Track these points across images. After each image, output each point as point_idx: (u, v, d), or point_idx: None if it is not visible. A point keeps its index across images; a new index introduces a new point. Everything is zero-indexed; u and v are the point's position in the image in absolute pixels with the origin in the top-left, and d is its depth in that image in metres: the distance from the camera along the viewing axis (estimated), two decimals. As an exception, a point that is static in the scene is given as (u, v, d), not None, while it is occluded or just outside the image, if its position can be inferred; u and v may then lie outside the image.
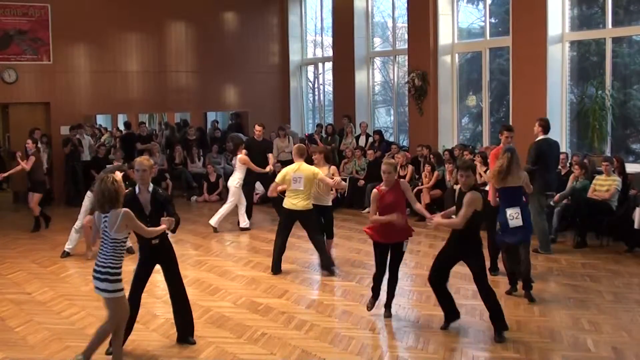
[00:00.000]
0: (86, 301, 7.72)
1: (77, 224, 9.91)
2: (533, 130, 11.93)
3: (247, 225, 11.75)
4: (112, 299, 5.50)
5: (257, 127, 12.47)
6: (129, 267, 9.32)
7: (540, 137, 9.46)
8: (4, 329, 6.87)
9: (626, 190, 10.20)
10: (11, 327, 6.91)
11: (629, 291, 7.88)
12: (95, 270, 5.52)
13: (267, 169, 12.04)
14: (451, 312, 6.64)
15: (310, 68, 18.97)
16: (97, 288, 5.53)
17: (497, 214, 7.58)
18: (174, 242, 10.96)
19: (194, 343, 6.28)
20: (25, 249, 10.51)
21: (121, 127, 17.72)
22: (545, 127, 9.44)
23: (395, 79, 16.22)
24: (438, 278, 6.57)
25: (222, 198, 15.26)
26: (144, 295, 7.86)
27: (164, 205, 6.06)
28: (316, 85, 19.12)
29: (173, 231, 6.01)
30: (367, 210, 13.13)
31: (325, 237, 9.02)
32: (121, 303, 5.58)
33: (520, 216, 7.33)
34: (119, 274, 5.51)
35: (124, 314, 5.65)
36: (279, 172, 9.37)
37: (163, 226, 5.83)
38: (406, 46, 14.93)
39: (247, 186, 11.98)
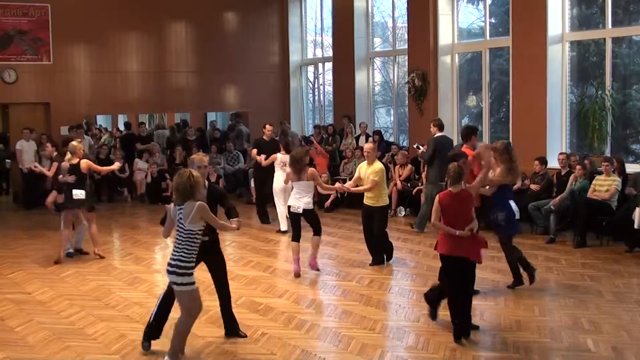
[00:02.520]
0: (86, 301, 7.73)
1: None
2: (533, 129, 12.04)
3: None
4: (180, 292, 5.54)
5: (268, 127, 12.36)
6: (126, 265, 9.35)
7: (438, 134, 10.91)
8: (4, 329, 6.87)
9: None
10: (11, 327, 6.91)
11: (629, 291, 7.88)
12: (168, 264, 5.58)
13: None
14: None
15: (310, 68, 18.97)
16: (170, 281, 5.59)
17: (492, 209, 7.68)
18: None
19: (245, 336, 6.37)
20: (25, 249, 10.51)
21: (121, 127, 17.72)
22: (440, 126, 11.01)
23: (395, 79, 16.21)
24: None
25: (222, 198, 15.25)
26: (144, 295, 7.91)
27: (221, 200, 6.23)
28: (316, 86, 19.12)
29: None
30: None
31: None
32: (193, 296, 5.59)
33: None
34: (190, 267, 5.52)
35: (197, 308, 5.68)
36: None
37: (234, 225, 5.97)
38: (406, 46, 14.92)
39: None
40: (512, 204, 7.68)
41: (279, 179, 11.00)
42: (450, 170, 6.32)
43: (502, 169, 7.56)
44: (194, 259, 5.57)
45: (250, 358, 5.95)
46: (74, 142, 9.85)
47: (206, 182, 6.18)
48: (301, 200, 8.58)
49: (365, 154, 9.10)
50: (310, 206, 8.63)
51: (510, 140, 12.62)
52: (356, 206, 13.41)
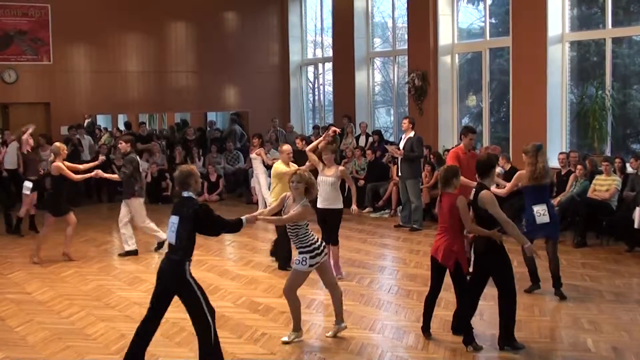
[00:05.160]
0: (86, 301, 7.73)
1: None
2: (533, 129, 12.04)
3: None
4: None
5: (297, 141, 12.09)
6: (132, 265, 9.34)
7: (412, 132, 11.26)
8: (4, 328, 6.87)
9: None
10: (11, 327, 6.91)
11: (629, 291, 7.88)
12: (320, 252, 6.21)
13: None
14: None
15: (310, 68, 18.97)
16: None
17: (522, 212, 7.64)
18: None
19: None
20: (25, 249, 10.50)
21: (121, 127, 17.73)
22: (414, 123, 11.46)
23: (395, 79, 16.22)
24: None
25: (222, 198, 15.29)
26: (144, 294, 7.91)
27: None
28: (316, 85, 19.13)
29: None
30: (367, 209, 13.14)
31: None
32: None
33: (547, 213, 7.40)
34: None
35: None
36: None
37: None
38: (406, 46, 14.93)
39: None
40: (538, 207, 7.40)
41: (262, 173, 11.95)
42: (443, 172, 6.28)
43: (527, 171, 7.43)
44: None
45: (250, 358, 5.95)
46: (57, 143, 9.87)
47: None
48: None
49: (288, 155, 8.99)
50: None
51: (511, 140, 12.66)
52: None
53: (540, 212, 7.37)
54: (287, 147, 9.14)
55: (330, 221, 8.24)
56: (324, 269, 6.35)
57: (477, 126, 14.43)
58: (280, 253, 9.01)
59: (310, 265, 6.18)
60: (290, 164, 9.07)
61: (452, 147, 12.91)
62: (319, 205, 8.24)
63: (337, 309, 6.43)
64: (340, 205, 8.32)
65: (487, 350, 6.03)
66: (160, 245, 9.91)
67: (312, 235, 6.22)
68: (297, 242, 6.18)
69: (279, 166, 8.95)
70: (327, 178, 8.28)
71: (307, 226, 6.19)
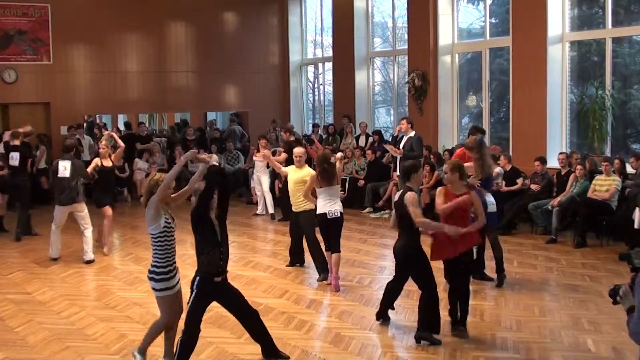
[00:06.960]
0: (86, 301, 7.73)
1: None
2: (533, 129, 12.04)
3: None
4: None
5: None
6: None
7: (413, 132, 10.96)
8: (4, 329, 6.87)
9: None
10: (11, 327, 6.91)
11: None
12: None
13: None
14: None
15: (310, 68, 18.96)
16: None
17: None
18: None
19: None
20: (25, 249, 10.50)
21: (121, 127, 17.72)
22: (413, 123, 11.20)
23: (395, 79, 16.22)
24: None
25: (222, 198, 15.27)
26: (144, 295, 7.92)
27: None
28: (316, 85, 19.12)
29: None
30: (367, 210, 13.14)
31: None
32: None
33: (494, 203, 7.83)
34: None
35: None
36: None
37: None
38: (406, 46, 14.93)
39: None
40: (488, 197, 7.70)
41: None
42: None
43: (475, 166, 7.61)
44: None
45: (250, 358, 5.95)
46: None
47: None
48: (337, 204, 7.93)
49: (297, 158, 8.57)
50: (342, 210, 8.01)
51: (511, 140, 12.67)
52: (354, 206, 13.46)
53: (493, 201, 7.81)
54: (298, 150, 8.73)
55: (334, 227, 7.97)
56: None
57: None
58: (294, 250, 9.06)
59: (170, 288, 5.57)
60: (306, 167, 8.67)
61: (455, 147, 12.98)
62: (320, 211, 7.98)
63: (145, 339, 5.68)
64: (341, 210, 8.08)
65: (487, 350, 6.04)
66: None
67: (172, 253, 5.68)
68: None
69: (289, 172, 8.67)
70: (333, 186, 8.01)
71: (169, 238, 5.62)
